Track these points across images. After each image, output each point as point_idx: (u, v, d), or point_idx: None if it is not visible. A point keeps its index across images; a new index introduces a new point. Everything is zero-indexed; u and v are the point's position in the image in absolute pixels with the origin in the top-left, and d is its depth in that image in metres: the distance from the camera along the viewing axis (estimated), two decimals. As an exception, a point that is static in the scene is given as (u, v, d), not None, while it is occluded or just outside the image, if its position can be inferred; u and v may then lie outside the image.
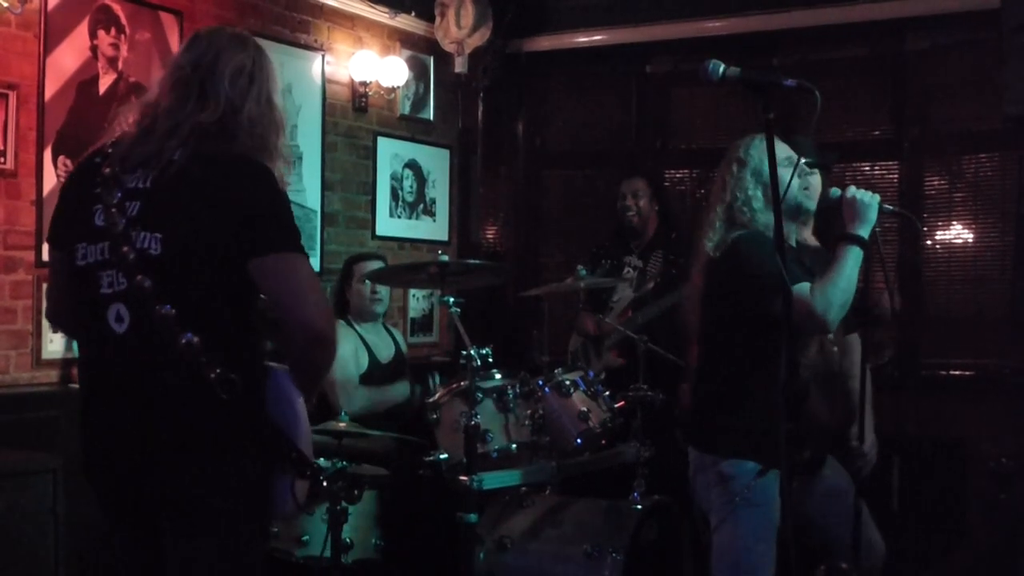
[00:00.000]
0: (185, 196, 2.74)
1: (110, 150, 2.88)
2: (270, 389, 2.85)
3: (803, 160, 4.36)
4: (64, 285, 2.96)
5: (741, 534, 3.72)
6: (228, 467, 2.74)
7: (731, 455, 3.74)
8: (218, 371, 2.68)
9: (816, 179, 4.36)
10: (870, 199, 3.61)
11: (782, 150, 3.63)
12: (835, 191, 3.80)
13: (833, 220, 3.78)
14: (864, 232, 3.59)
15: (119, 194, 2.79)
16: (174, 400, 2.73)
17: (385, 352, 5.80)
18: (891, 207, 3.82)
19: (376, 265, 5.72)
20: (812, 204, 3.95)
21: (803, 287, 3.51)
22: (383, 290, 5.73)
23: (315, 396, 3.01)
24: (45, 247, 5.12)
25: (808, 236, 4.31)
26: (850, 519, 3.80)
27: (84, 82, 5.38)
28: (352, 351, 5.61)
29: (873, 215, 3.60)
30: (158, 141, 2.79)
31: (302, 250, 2.81)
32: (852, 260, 3.56)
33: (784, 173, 3.39)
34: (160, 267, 2.72)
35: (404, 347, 6.07)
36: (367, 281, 5.59)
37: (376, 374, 5.68)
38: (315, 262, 6.69)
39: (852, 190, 3.67)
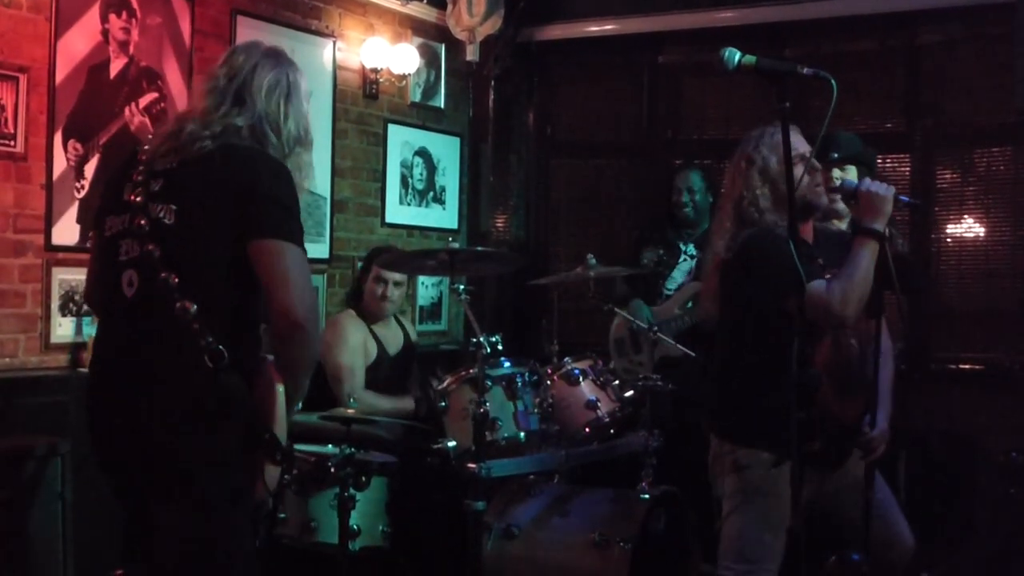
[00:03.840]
0: (203, 174, 2.92)
1: (148, 144, 3.08)
2: (259, 374, 2.96)
3: (834, 155, 4.37)
4: (97, 266, 3.14)
5: (750, 523, 3.73)
6: (205, 435, 2.86)
7: (746, 444, 3.76)
8: (209, 339, 2.81)
9: (851, 175, 4.37)
10: (886, 191, 3.59)
11: (795, 143, 3.61)
12: (850, 183, 3.79)
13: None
14: (880, 225, 3.57)
15: (147, 175, 2.98)
16: (165, 364, 2.87)
17: (394, 344, 5.78)
18: (907, 198, 3.81)
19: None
20: (822, 201, 3.92)
21: (819, 284, 3.51)
22: (396, 293, 5.67)
23: (301, 390, 3.06)
24: (54, 231, 5.16)
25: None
26: (873, 513, 3.79)
27: (95, 66, 5.37)
28: (360, 342, 5.59)
29: (889, 207, 3.59)
30: (190, 133, 2.98)
31: (300, 243, 2.94)
32: (868, 255, 3.54)
33: (796, 169, 3.37)
34: (170, 236, 2.90)
35: (414, 336, 6.05)
36: (381, 282, 5.56)
37: (384, 366, 5.67)
38: (324, 248, 6.70)
39: (867, 182, 3.65)
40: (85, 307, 5.29)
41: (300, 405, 3.14)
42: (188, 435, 2.85)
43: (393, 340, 5.80)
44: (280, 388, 2.97)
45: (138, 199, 2.96)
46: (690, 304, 6.15)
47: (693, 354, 5.28)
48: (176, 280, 2.85)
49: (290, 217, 2.95)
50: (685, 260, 6.41)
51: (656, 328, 5.24)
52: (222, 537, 2.92)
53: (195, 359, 2.81)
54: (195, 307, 2.82)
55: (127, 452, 2.94)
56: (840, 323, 3.63)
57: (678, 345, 5.37)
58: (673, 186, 6.53)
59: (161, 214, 2.91)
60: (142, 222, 2.92)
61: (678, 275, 6.40)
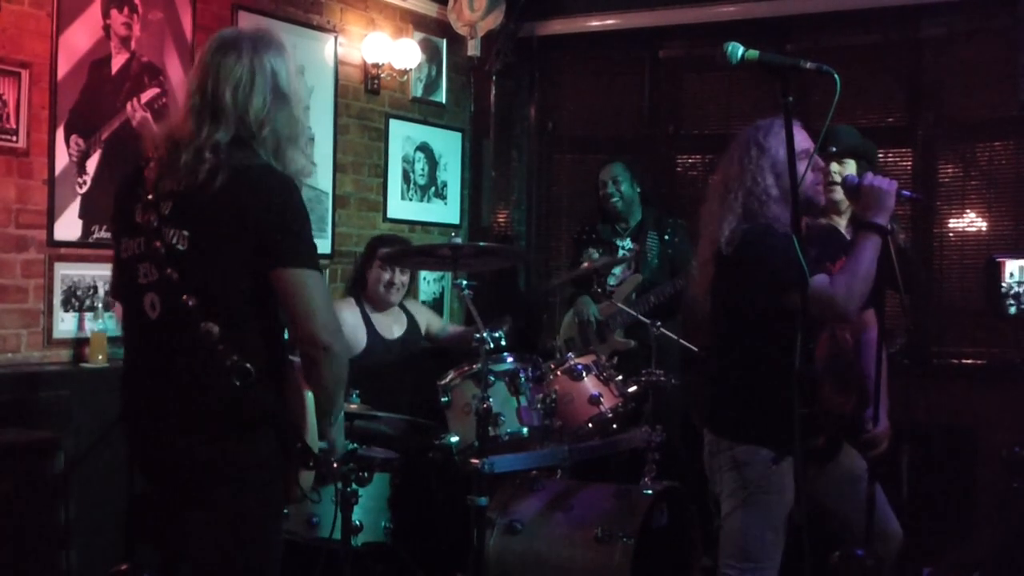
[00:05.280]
0: (212, 200, 2.93)
1: (152, 157, 3.09)
2: (287, 382, 3.07)
3: (832, 148, 4.35)
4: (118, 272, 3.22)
5: (752, 522, 3.71)
6: (240, 444, 2.96)
7: (746, 441, 3.73)
8: (234, 358, 2.88)
9: (850, 168, 4.36)
10: (888, 185, 3.58)
11: (800, 139, 3.59)
12: (853, 177, 3.78)
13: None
14: (883, 220, 3.55)
15: (154, 195, 3.01)
16: (193, 383, 2.95)
17: (396, 329, 5.76)
18: (909, 193, 3.80)
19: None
20: (821, 200, 3.91)
21: (822, 279, 3.49)
22: (401, 280, 5.67)
23: (338, 403, 3.17)
24: (56, 226, 5.16)
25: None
26: (864, 505, 3.79)
27: (97, 61, 5.37)
28: (350, 330, 5.54)
29: (891, 202, 3.57)
30: (186, 164, 2.97)
31: (317, 267, 3.03)
32: (872, 249, 3.53)
33: (799, 164, 3.34)
34: (186, 261, 2.95)
35: (422, 323, 6.00)
36: (384, 270, 5.56)
37: (378, 351, 5.63)
38: (326, 243, 6.70)
39: (869, 176, 3.63)
40: (87, 302, 5.31)
41: (342, 415, 3.25)
42: (223, 447, 2.95)
43: (394, 324, 5.78)
44: (309, 394, 3.07)
45: (152, 222, 2.99)
46: (633, 296, 6.16)
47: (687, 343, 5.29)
48: (196, 303, 2.91)
49: (301, 242, 2.99)
50: (624, 254, 6.41)
51: (659, 324, 5.23)
52: (257, 544, 3.06)
53: (223, 378, 2.88)
54: (218, 329, 2.90)
55: (164, 464, 3.07)
56: (843, 318, 3.62)
57: (673, 335, 5.37)
58: (598, 180, 6.54)
59: (174, 240, 2.96)
60: (157, 245, 2.97)
61: (617, 270, 6.41)
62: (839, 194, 4.27)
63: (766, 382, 3.66)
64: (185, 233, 2.95)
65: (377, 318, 5.72)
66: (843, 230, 4.39)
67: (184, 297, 2.92)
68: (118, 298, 3.37)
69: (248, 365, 2.89)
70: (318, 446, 3.10)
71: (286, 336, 3.13)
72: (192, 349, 2.92)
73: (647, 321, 5.26)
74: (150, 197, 3.01)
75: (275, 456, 3.00)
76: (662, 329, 5.20)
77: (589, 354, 5.11)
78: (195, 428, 2.95)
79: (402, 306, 5.90)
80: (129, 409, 3.15)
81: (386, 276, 5.61)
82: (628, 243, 6.40)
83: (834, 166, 4.43)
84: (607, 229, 6.51)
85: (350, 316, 5.61)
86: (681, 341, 5.38)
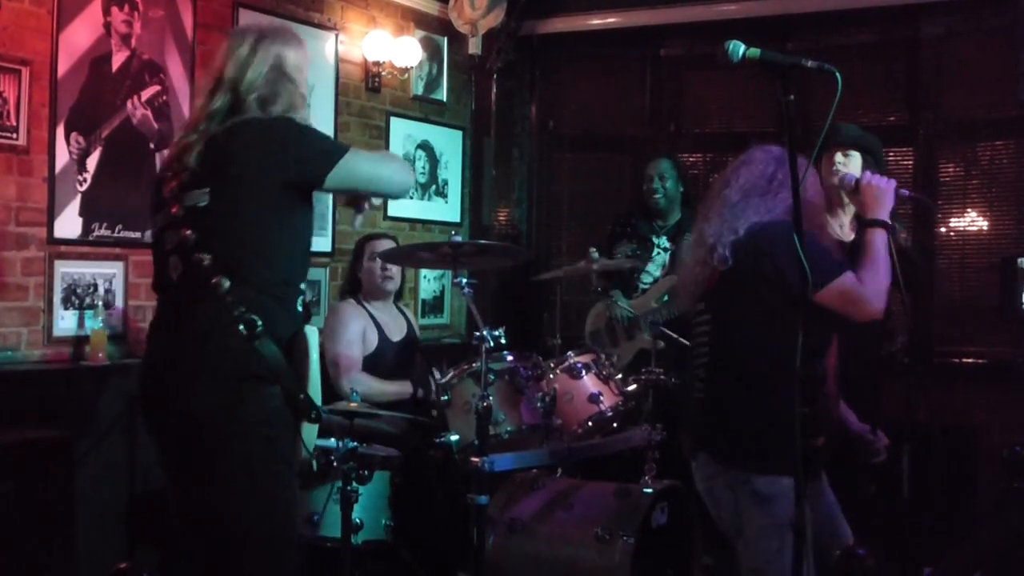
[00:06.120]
0: (222, 154, 3.17)
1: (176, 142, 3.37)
2: (295, 344, 3.21)
3: (837, 139, 4.35)
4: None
5: (787, 562, 3.06)
6: (242, 396, 3.11)
7: (765, 471, 3.44)
8: (241, 309, 3.08)
9: (856, 162, 4.35)
10: (886, 184, 3.58)
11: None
12: (851, 177, 3.77)
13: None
14: (884, 216, 3.56)
15: (176, 169, 3.25)
16: (202, 334, 3.12)
17: (397, 332, 5.77)
18: (907, 192, 3.79)
19: (388, 245, 5.69)
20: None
21: (852, 277, 3.42)
22: (395, 269, 5.70)
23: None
24: (56, 224, 5.16)
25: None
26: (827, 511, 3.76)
27: (97, 59, 5.37)
28: (360, 331, 5.58)
29: (889, 199, 3.58)
30: (199, 130, 3.26)
31: (347, 148, 3.31)
32: (882, 243, 3.50)
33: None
34: (204, 218, 3.16)
35: (417, 328, 6.05)
36: (378, 260, 5.57)
37: (387, 354, 5.65)
38: (327, 242, 6.70)
39: (867, 175, 3.65)
40: (87, 300, 5.31)
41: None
42: (230, 399, 3.10)
43: (396, 327, 5.78)
44: (314, 357, 3.23)
45: (172, 190, 3.24)
46: (665, 298, 6.15)
47: (687, 343, 5.27)
48: (211, 260, 3.12)
49: (323, 144, 3.31)
50: (659, 254, 6.42)
51: (653, 320, 5.23)
52: (267, 497, 3.16)
53: (231, 328, 3.08)
54: (228, 282, 3.10)
55: (175, 417, 3.17)
56: (873, 316, 3.45)
57: (680, 339, 5.36)
58: (644, 174, 6.54)
59: (195, 200, 3.17)
60: (174, 210, 3.21)
61: (653, 269, 6.42)
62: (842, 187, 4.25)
63: (778, 397, 3.28)
64: (205, 190, 3.16)
65: (383, 319, 5.73)
66: (846, 227, 4.37)
67: (199, 255, 3.13)
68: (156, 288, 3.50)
69: (255, 317, 3.08)
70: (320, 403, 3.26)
71: (300, 307, 3.32)
72: (203, 301, 3.12)
73: (648, 319, 5.26)
74: (170, 172, 3.27)
75: (281, 412, 3.15)
76: (662, 328, 5.19)
77: (591, 352, 5.10)
78: (204, 378, 3.10)
79: (399, 309, 5.91)
80: (144, 368, 3.30)
81: (378, 268, 5.63)
82: (664, 241, 6.42)
83: (839, 156, 4.41)
84: (645, 225, 6.52)
85: (359, 318, 5.61)
86: (681, 340, 5.37)
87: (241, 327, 3.08)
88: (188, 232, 3.17)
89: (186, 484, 3.24)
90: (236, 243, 3.16)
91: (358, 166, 3.31)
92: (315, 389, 3.24)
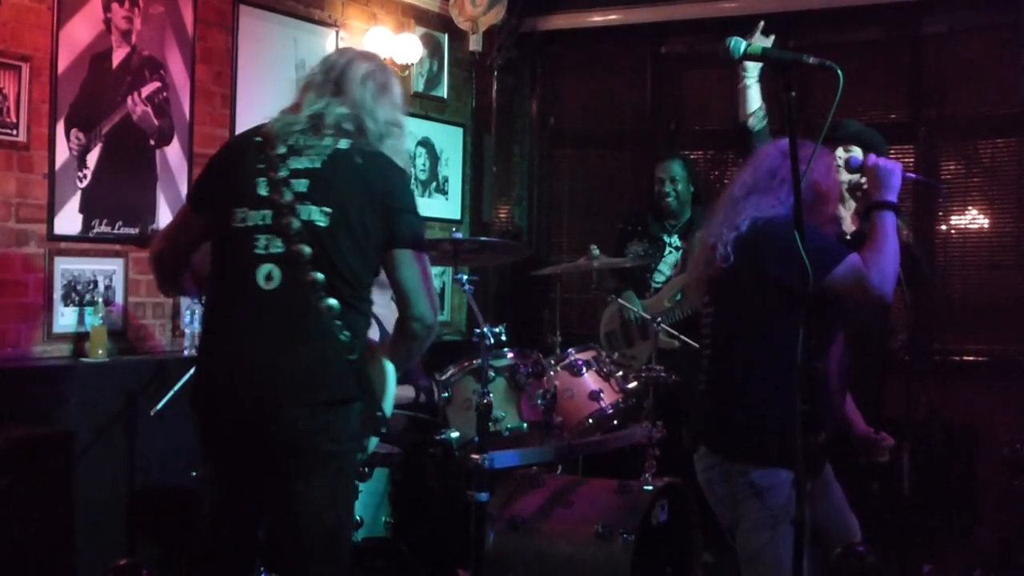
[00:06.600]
0: (348, 179, 3.16)
1: (266, 132, 3.26)
2: (371, 356, 3.29)
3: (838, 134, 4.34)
4: (191, 244, 3.38)
5: (785, 551, 3.17)
6: (339, 417, 3.13)
7: (763, 463, 3.45)
8: (345, 333, 3.11)
9: (856, 153, 4.34)
10: (893, 166, 3.54)
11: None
12: (856, 159, 3.75)
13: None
14: (892, 197, 3.51)
15: (285, 172, 3.16)
16: (308, 355, 3.10)
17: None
18: (913, 175, 3.77)
19: None
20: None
21: (856, 258, 3.39)
22: None
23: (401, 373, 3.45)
24: (56, 220, 5.15)
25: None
26: (836, 507, 3.76)
27: (97, 55, 5.36)
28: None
29: (897, 181, 3.52)
30: (314, 130, 3.22)
31: (427, 249, 3.30)
32: (889, 225, 3.46)
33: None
34: (325, 237, 3.11)
35: None
36: None
37: None
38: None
39: (873, 158, 3.60)
40: (87, 297, 5.29)
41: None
42: (326, 420, 3.10)
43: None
44: (390, 366, 3.33)
45: (283, 197, 3.12)
46: (679, 296, 6.14)
47: (697, 345, 5.26)
48: (323, 280, 3.09)
49: (422, 225, 3.30)
50: (670, 252, 6.41)
51: (659, 320, 5.22)
52: (348, 506, 3.33)
53: (336, 352, 3.10)
54: (337, 304, 3.10)
55: (260, 431, 3.11)
56: (880, 299, 3.43)
57: (681, 336, 5.36)
58: (655, 176, 6.52)
59: (313, 216, 3.11)
60: (288, 221, 3.10)
61: (665, 268, 6.41)
62: (843, 175, 4.24)
63: (780, 393, 3.27)
64: (326, 209, 3.11)
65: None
66: (847, 222, 4.36)
67: (311, 272, 3.08)
68: (164, 270, 3.47)
69: (355, 341, 3.13)
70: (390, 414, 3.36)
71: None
72: (311, 322, 3.09)
73: (648, 318, 5.24)
74: (281, 174, 3.15)
75: (360, 428, 3.20)
76: (664, 327, 5.18)
77: (591, 349, 5.09)
78: (304, 400, 3.07)
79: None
80: (214, 377, 3.21)
81: None
82: (676, 240, 6.41)
83: (840, 151, 4.40)
84: (656, 225, 6.50)
85: None
86: (682, 338, 5.37)
87: (349, 354, 3.11)
88: (303, 247, 3.10)
89: (259, 498, 3.21)
90: (351, 266, 3.14)
91: (427, 266, 3.30)
92: (388, 405, 3.33)
